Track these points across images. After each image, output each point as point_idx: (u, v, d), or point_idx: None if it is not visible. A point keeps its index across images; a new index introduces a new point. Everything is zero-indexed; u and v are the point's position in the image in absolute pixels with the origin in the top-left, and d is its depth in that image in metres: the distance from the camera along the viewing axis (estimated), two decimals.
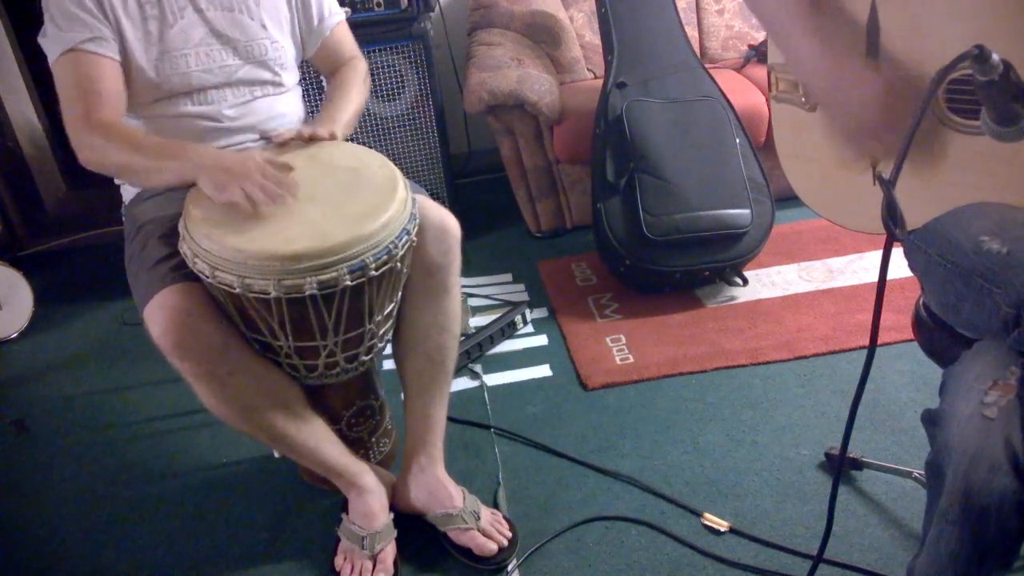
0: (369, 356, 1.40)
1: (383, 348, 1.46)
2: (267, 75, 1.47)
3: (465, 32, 2.88)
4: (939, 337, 1.10)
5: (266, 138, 1.45)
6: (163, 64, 1.37)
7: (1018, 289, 0.89)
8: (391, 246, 1.23)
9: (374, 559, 1.40)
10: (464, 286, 2.33)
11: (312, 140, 1.39)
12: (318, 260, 1.16)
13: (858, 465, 1.55)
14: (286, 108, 1.52)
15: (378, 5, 2.36)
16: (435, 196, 1.51)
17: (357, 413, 1.51)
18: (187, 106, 1.40)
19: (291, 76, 1.53)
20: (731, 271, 2.21)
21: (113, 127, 1.30)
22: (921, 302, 1.17)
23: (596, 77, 2.83)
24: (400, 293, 1.40)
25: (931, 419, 0.93)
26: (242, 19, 1.43)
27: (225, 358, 1.23)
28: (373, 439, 1.57)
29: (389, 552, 1.42)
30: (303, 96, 1.63)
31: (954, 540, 0.89)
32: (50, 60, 1.33)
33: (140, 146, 1.30)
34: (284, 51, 1.49)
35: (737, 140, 2.26)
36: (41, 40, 1.33)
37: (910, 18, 1.02)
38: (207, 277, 1.18)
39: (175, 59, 1.37)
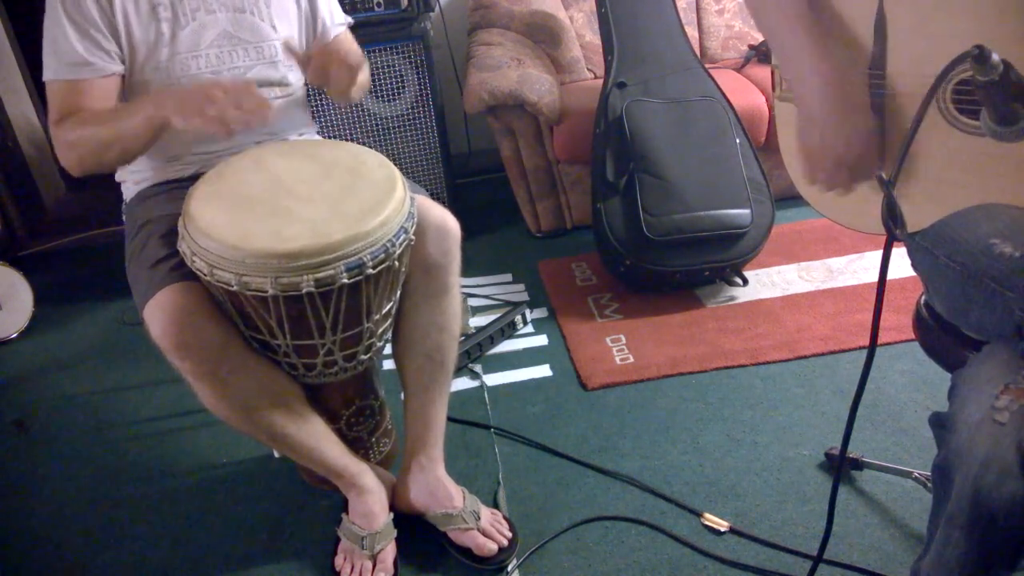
0: (368, 355, 1.40)
1: (382, 348, 1.46)
2: (276, 76, 1.47)
3: (465, 32, 2.88)
4: (941, 337, 1.10)
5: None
6: (173, 66, 1.36)
7: None
8: (388, 244, 1.23)
9: (374, 559, 1.40)
10: (464, 286, 2.32)
11: (334, 60, 1.35)
12: (315, 258, 1.16)
13: (858, 465, 1.55)
14: (292, 110, 1.53)
15: (378, 5, 2.36)
16: (435, 196, 1.51)
17: (356, 413, 1.51)
18: None
19: (298, 77, 1.53)
20: (731, 271, 2.21)
21: (77, 115, 1.29)
22: (922, 302, 1.17)
23: (596, 77, 2.83)
24: (399, 292, 1.40)
25: (940, 422, 0.92)
26: (253, 20, 1.43)
27: (225, 357, 1.24)
28: (373, 439, 1.57)
29: (389, 552, 1.42)
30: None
31: (961, 545, 0.88)
32: (44, 75, 1.32)
33: (104, 118, 1.29)
34: None
35: (737, 140, 2.26)
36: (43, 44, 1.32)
37: (918, 18, 1.02)
38: (205, 275, 1.18)
39: (185, 61, 1.37)
